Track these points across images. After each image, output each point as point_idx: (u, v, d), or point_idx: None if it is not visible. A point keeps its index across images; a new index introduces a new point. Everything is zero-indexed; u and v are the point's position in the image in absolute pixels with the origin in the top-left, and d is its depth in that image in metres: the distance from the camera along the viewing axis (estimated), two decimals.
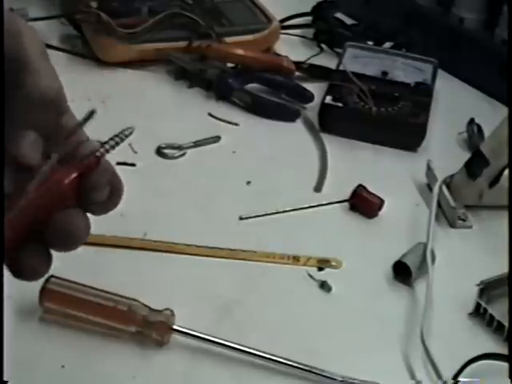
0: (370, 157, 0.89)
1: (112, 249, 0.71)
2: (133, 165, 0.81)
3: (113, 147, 0.41)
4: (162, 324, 0.63)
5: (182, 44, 0.98)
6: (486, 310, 0.68)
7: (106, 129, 0.43)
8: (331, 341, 0.66)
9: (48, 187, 0.39)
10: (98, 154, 0.41)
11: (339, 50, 1.04)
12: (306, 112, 0.95)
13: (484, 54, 1.01)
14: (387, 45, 1.05)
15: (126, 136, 0.41)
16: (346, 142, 0.91)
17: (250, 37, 1.02)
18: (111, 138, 0.41)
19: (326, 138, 0.90)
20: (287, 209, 0.79)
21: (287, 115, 0.94)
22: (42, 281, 0.63)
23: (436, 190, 0.81)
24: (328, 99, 0.92)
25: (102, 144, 0.41)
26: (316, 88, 0.96)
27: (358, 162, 0.88)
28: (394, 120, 0.90)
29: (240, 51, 0.97)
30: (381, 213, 0.79)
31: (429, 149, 0.90)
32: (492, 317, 0.67)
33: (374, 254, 0.75)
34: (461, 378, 0.61)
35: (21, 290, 0.63)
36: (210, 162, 0.85)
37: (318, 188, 0.83)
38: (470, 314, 0.69)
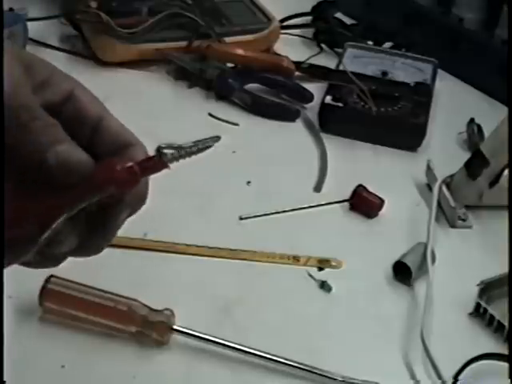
0: (370, 157, 0.89)
1: (112, 249, 0.71)
2: None
3: (176, 158, 0.39)
4: (162, 324, 0.63)
5: (182, 44, 0.98)
6: (485, 310, 0.68)
7: None
8: (331, 341, 0.66)
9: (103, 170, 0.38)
10: (165, 158, 0.39)
11: (339, 50, 1.04)
12: (306, 112, 0.95)
13: (484, 53, 1.01)
14: (387, 45, 1.06)
15: (200, 150, 0.40)
16: (346, 141, 0.91)
17: (250, 37, 1.02)
18: (178, 149, 0.39)
19: (326, 138, 0.90)
20: (287, 209, 0.79)
21: (287, 115, 0.94)
22: (42, 281, 0.63)
23: (436, 189, 0.81)
24: (328, 99, 0.92)
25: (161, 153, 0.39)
26: (316, 88, 0.96)
27: (358, 162, 0.88)
28: (394, 120, 0.90)
29: (240, 51, 0.97)
30: (381, 213, 0.79)
31: (429, 149, 0.90)
32: (492, 317, 0.68)
33: (374, 254, 0.75)
34: (461, 378, 0.61)
35: (21, 290, 0.63)
36: (210, 162, 0.84)
37: (317, 188, 0.83)
38: (470, 313, 0.69)
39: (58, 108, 0.41)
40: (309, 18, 1.10)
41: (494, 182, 0.79)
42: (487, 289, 0.69)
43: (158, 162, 0.39)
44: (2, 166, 0.37)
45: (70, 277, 0.64)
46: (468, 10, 1.03)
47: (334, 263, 0.73)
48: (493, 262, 0.72)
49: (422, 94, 0.94)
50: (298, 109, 0.94)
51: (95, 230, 0.41)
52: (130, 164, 0.38)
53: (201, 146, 0.40)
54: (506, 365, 0.60)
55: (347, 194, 0.80)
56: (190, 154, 0.40)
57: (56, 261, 0.41)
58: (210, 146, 0.40)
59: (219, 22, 1.02)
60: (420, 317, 0.67)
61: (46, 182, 0.38)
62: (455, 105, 0.99)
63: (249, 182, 0.83)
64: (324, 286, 0.71)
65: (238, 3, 1.07)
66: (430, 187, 0.83)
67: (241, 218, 0.77)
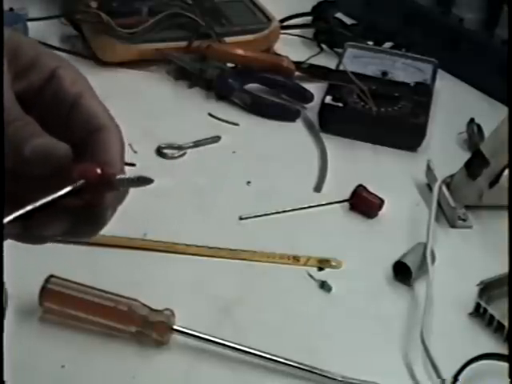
0: (370, 157, 0.89)
1: (112, 249, 0.71)
2: (133, 165, 0.81)
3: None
4: (162, 324, 0.63)
5: (182, 44, 0.98)
6: (485, 310, 0.68)
7: None
8: (331, 341, 0.66)
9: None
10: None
11: (339, 50, 1.04)
12: (306, 112, 0.94)
13: (484, 53, 1.01)
14: (387, 45, 1.05)
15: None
16: (346, 141, 0.91)
17: (250, 37, 1.02)
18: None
19: (326, 138, 0.90)
20: (287, 209, 0.79)
21: (287, 115, 0.94)
22: (41, 281, 0.63)
23: (436, 189, 0.81)
24: (328, 99, 0.92)
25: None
26: (316, 88, 0.96)
27: (358, 162, 0.88)
28: (394, 120, 0.90)
29: (240, 51, 0.97)
30: (381, 213, 0.79)
31: (429, 149, 0.90)
32: (492, 317, 0.68)
33: (374, 254, 0.75)
34: (461, 378, 0.61)
35: (21, 290, 0.63)
36: (210, 161, 0.85)
37: (317, 188, 0.83)
38: (470, 313, 0.69)
39: (40, 90, 0.41)
40: (309, 18, 1.10)
41: (494, 182, 0.79)
42: (487, 289, 0.69)
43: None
44: (1, 166, 0.37)
45: (69, 277, 0.64)
46: (468, 9, 1.03)
47: (333, 263, 0.73)
48: (493, 262, 0.72)
49: (422, 94, 0.94)
50: (298, 109, 0.94)
51: (82, 222, 0.41)
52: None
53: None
54: (505, 365, 0.60)
55: (347, 194, 0.80)
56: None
57: (42, 240, 0.41)
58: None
59: (219, 22, 1.02)
60: (420, 317, 0.67)
61: (27, 175, 0.38)
62: (455, 105, 0.99)
63: (249, 182, 0.83)
64: (324, 285, 0.71)
65: (238, 3, 1.07)
66: (430, 187, 0.83)
67: (241, 218, 0.77)
